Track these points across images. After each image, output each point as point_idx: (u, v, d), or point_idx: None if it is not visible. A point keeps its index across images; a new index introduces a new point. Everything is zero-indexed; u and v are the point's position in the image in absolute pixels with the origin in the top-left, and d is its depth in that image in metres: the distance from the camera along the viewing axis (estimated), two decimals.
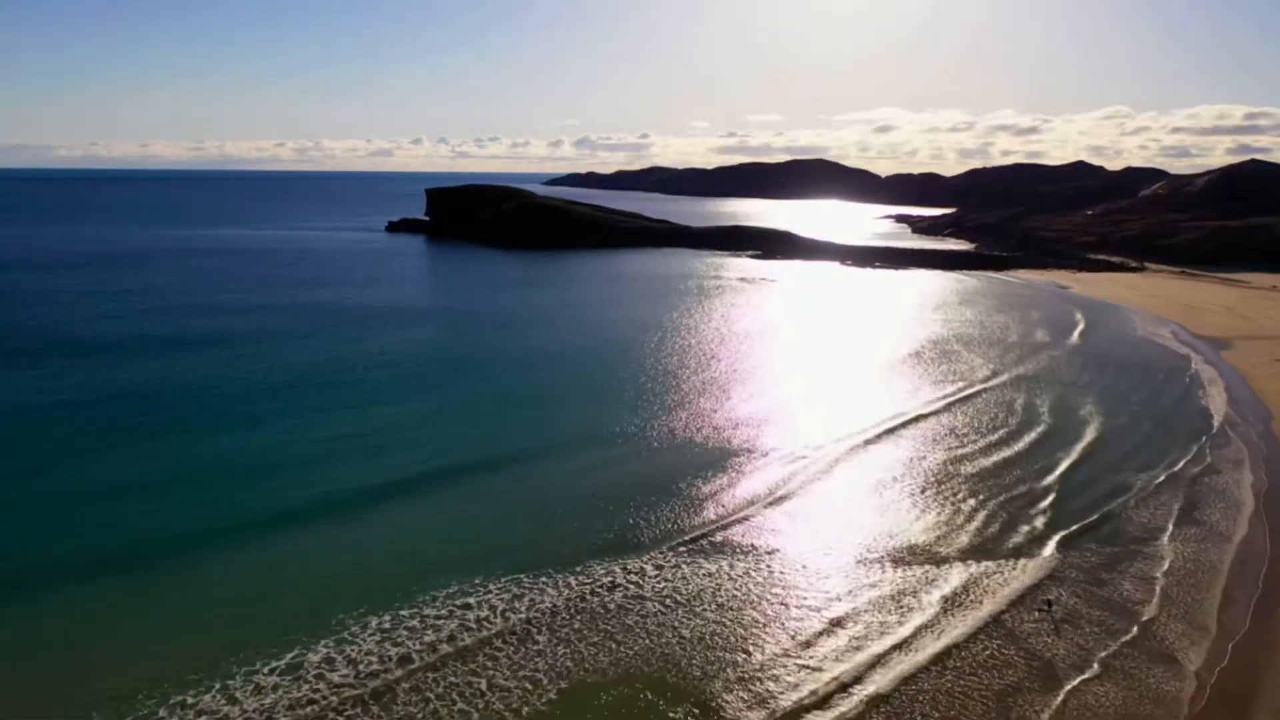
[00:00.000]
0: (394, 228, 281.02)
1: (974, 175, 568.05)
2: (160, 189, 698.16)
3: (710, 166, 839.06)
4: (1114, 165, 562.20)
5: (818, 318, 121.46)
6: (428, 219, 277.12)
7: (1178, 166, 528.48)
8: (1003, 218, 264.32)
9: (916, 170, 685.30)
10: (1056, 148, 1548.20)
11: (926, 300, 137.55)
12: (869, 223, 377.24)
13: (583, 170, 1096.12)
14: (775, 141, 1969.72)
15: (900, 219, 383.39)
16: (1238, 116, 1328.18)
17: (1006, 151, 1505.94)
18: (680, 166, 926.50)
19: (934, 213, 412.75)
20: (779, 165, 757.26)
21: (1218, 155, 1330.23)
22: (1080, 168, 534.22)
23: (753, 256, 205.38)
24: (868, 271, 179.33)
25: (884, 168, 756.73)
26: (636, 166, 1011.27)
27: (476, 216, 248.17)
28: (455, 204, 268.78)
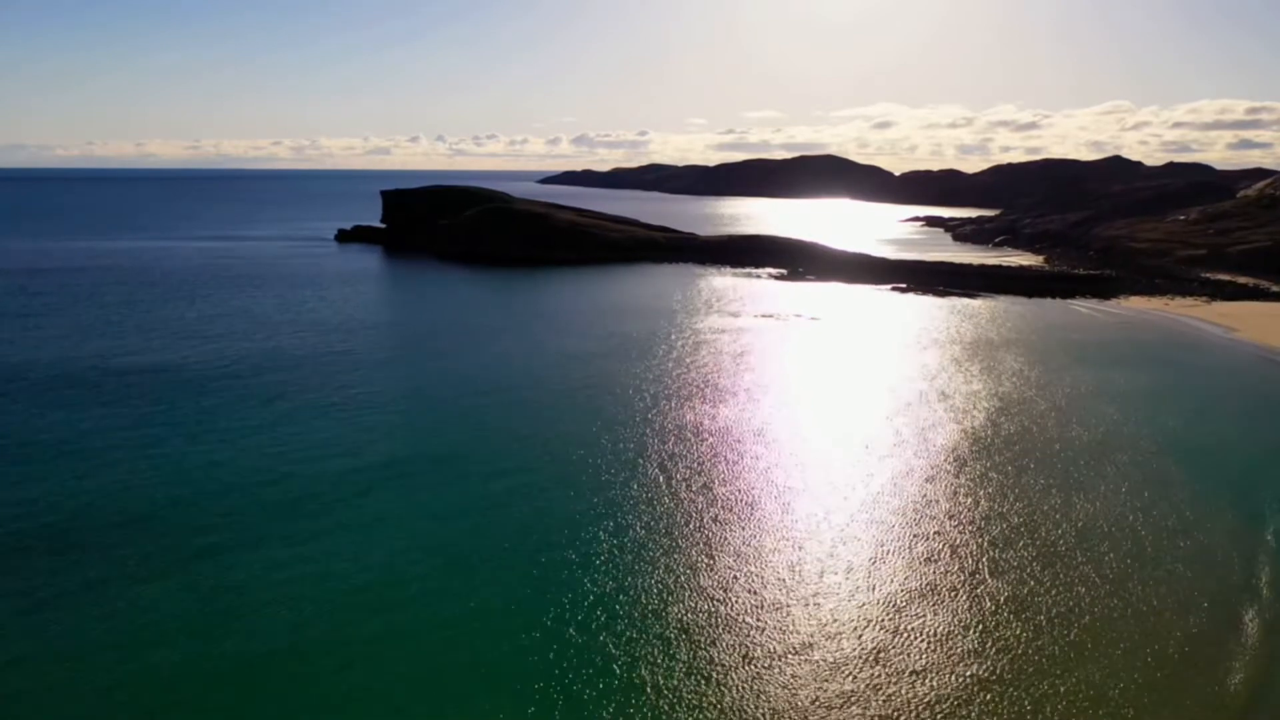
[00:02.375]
0: (344, 237, 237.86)
1: (999, 172, 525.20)
2: (116, 189, 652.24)
3: (710, 163, 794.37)
4: (1150, 160, 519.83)
5: (917, 398, 77.80)
6: (383, 226, 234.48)
7: (1180, 161, 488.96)
8: (1070, 223, 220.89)
9: (919, 166, 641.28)
10: (1056, 143, 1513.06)
11: (1054, 351, 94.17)
12: (893, 226, 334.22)
13: (579, 168, 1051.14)
14: (774, 138, 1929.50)
15: (930, 221, 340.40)
16: (1240, 111, 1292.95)
17: (1006, 147, 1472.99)
18: (680, 164, 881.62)
19: (962, 214, 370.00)
20: (784, 162, 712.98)
21: (1218, 150, 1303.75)
22: (1116, 163, 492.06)
23: (775, 276, 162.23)
24: (932, 300, 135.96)
25: (884, 164, 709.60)
26: (634, 164, 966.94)
27: (438, 224, 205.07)
28: (414, 208, 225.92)
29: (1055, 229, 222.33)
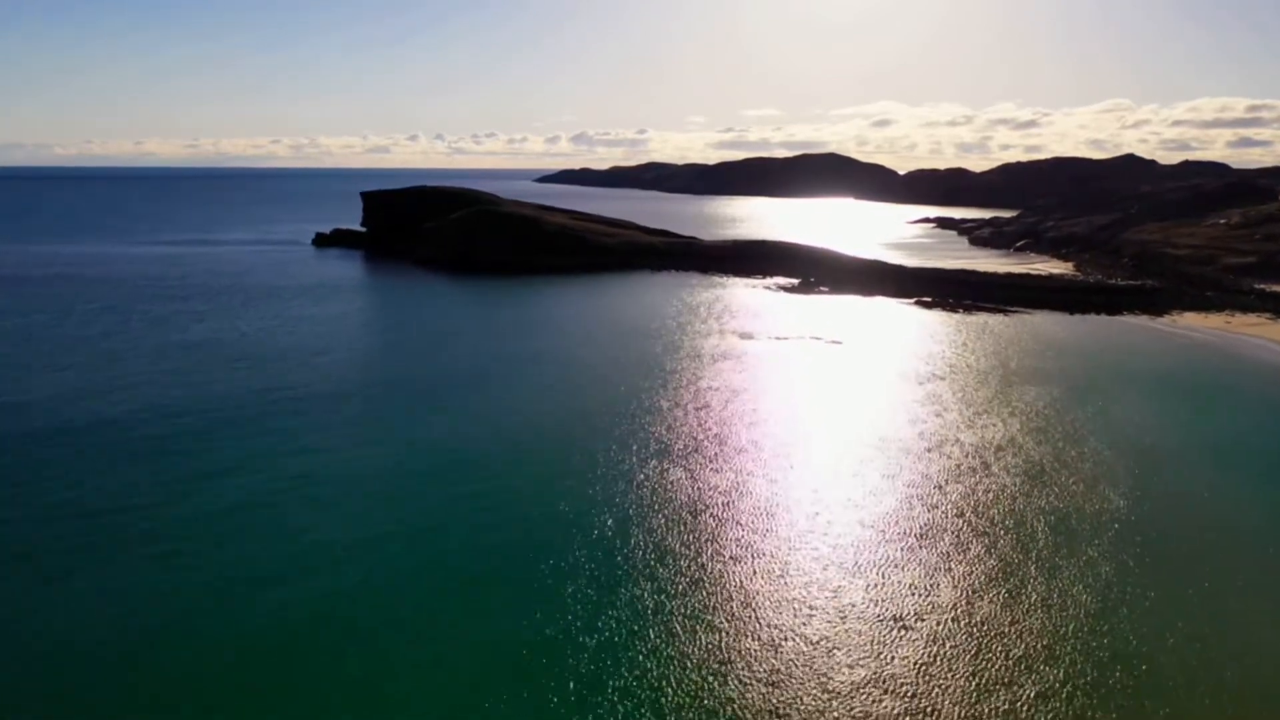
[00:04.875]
0: (322, 241, 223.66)
1: (1007, 171, 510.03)
2: (107, 188, 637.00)
3: (710, 162, 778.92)
4: (1157, 158, 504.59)
5: (975, 462, 63.26)
6: (364, 230, 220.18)
7: (1178, 160, 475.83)
8: (1097, 226, 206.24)
9: (919, 164, 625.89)
10: (1056, 141, 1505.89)
11: (1122, 390, 79.52)
12: (901, 228, 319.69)
13: (578, 166, 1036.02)
14: (773, 136, 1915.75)
15: (941, 223, 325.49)
16: (1240, 109, 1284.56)
17: (1005, 145, 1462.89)
18: (679, 162, 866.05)
19: (974, 215, 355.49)
20: (785, 161, 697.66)
21: (1218, 149, 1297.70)
22: (1128, 161, 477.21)
23: (785, 288, 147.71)
24: (962, 318, 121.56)
25: (885, 162, 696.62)
26: (633, 162, 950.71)
27: (421, 227, 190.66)
28: (396, 210, 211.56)
29: (1081, 233, 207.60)
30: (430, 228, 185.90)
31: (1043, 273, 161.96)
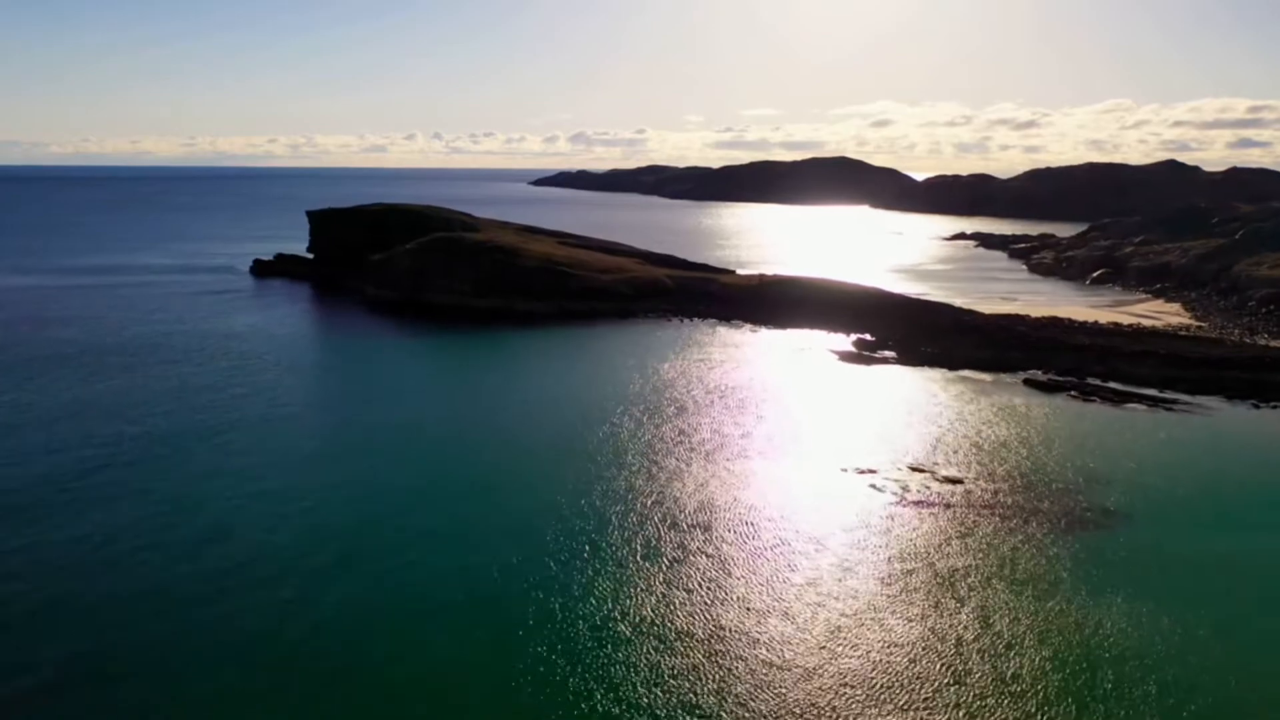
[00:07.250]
0: (263, 269, 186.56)
1: (1036, 177, 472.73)
2: (73, 192, 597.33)
3: (709, 163, 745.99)
4: (1209, 163, 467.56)
5: None
6: (311, 255, 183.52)
7: (1244, 165, 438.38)
8: (1196, 256, 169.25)
9: (917, 164, 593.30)
10: (1055, 141, 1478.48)
11: None
12: (935, 245, 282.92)
13: (576, 166, 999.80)
14: (773, 136, 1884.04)
15: (983, 241, 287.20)
16: (1240, 109, 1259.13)
17: (1005, 146, 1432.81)
18: (679, 165, 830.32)
19: (1012, 229, 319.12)
20: (793, 164, 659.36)
21: (1218, 149, 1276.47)
22: (1172, 168, 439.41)
23: (838, 353, 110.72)
24: (1106, 413, 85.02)
25: (882, 162, 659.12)
26: (632, 164, 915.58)
27: (370, 259, 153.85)
28: (347, 234, 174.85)
29: (1178, 263, 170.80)
30: (378, 260, 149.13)
31: (1152, 322, 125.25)
